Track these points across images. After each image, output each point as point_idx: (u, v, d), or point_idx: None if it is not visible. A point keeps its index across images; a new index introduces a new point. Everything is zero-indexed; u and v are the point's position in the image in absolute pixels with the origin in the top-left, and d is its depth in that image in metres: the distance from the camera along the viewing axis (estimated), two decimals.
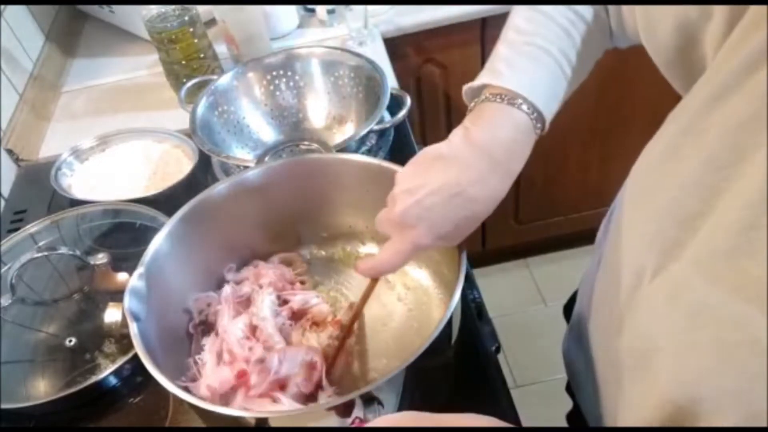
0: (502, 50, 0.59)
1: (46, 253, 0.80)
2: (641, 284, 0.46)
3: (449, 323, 0.56)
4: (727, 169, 0.37)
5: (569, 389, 0.73)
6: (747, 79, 0.36)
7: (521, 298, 1.86)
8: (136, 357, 0.68)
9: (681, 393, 0.41)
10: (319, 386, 0.62)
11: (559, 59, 0.57)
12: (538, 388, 1.63)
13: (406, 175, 0.59)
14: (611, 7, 0.59)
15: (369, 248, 0.79)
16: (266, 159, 0.94)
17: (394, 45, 1.29)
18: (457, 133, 0.57)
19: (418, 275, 0.75)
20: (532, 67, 0.57)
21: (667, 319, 0.42)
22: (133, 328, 0.58)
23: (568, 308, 0.79)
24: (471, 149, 0.55)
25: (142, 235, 0.82)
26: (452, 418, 0.42)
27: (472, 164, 0.55)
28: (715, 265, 0.38)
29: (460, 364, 0.67)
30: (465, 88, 0.60)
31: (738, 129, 0.37)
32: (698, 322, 0.39)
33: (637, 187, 0.49)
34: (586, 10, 0.58)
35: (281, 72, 1.03)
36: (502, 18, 1.32)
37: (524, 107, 0.55)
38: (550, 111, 0.58)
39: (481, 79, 0.58)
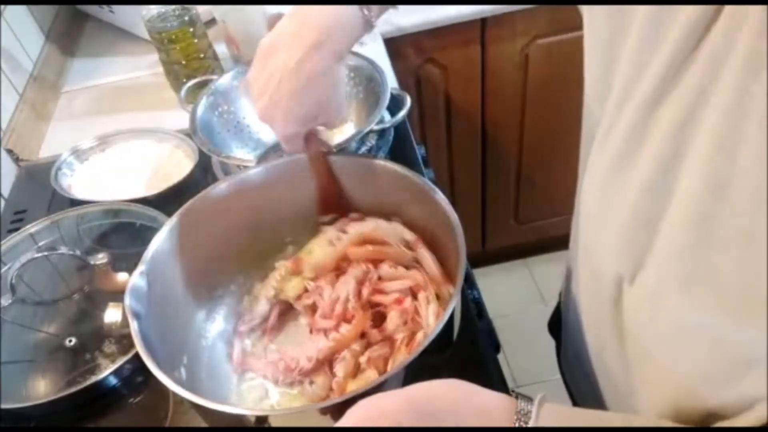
0: None
1: (46, 253, 0.80)
2: (622, 293, 0.46)
3: (449, 323, 0.56)
4: (673, 170, 0.38)
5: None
6: (676, 83, 0.37)
7: (521, 298, 1.86)
8: (136, 357, 0.68)
9: (684, 396, 0.41)
10: None
11: None
12: (538, 388, 1.62)
13: (253, 73, 0.66)
14: None
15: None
16: (267, 157, 0.94)
17: (394, 45, 1.29)
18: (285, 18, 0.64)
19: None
20: None
21: (651, 326, 0.43)
22: (134, 327, 0.58)
23: (552, 324, 0.79)
24: (292, 28, 0.61)
25: (142, 235, 0.82)
26: (423, 393, 0.43)
27: (293, 45, 0.61)
28: (682, 265, 0.38)
29: (460, 364, 0.67)
30: None
31: (677, 130, 0.37)
32: (681, 327, 0.39)
33: (594, 200, 0.49)
34: None
35: None
36: (502, 18, 1.32)
37: None
38: None
39: None
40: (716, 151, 0.34)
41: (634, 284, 0.44)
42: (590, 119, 0.52)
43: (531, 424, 0.42)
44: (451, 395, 0.43)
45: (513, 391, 0.44)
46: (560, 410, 0.43)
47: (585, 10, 0.47)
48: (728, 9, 0.33)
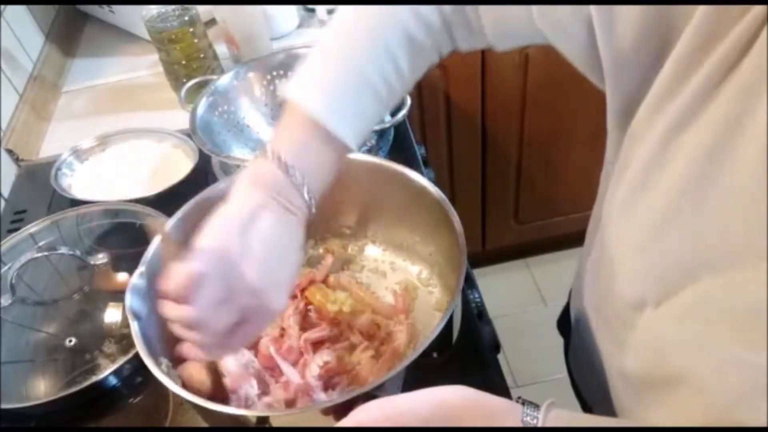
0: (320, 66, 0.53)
1: (46, 253, 0.80)
2: (643, 313, 0.46)
3: (449, 323, 0.56)
4: (699, 198, 0.38)
5: (586, 410, 0.73)
6: (702, 109, 0.37)
7: (521, 298, 1.86)
8: (136, 357, 0.68)
9: (713, 417, 0.40)
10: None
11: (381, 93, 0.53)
12: (538, 388, 1.63)
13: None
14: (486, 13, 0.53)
15: (370, 248, 0.79)
16: None
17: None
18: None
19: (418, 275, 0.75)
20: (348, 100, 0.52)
21: (686, 349, 0.42)
22: (134, 327, 0.58)
23: (562, 322, 0.79)
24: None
25: (142, 235, 0.82)
26: (428, 398, 0.43)
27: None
28: (728, 296, 0.38)
29: (460, 364, 0.67)
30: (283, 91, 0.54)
31: (703, 157, 0.37)
32: (710, 351, 0.39)
33: (615, 222, 0.49)
34: (432, 17, 0.53)
35: (281, 72, 1.03)
36: None
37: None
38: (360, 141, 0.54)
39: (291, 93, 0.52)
40: (755, 185, 0.34)
41: (660, 308, 0.43)
42: (614, 133, 0.51)
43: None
44: (457, 401, 0.43)
45: (519, 398, 0.44)
46: (567, 417, 0.43)
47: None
48: (761, 42, 0.33)
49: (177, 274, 0.46)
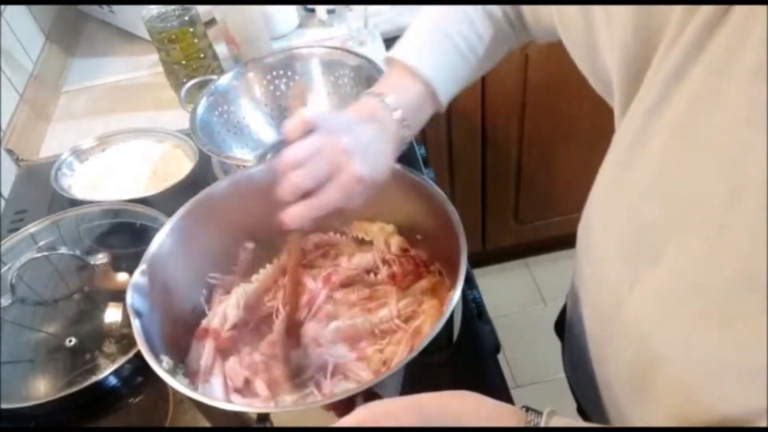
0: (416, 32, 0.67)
1: (46, 253, 0.80)
2: (623, 298, 0.46)
3: (449, 323, 0.56)
4: (675, 176, 0.38)
5: (581, 411, 0.73)
6: (674, 91, 0.38)
7: (521, 298, 1.86)
8: (136, 357, 0.68)
9: (691, 406, 0.41)
10: None
11: (462, 49, 0.64)
12: (538, 388, 1.63)
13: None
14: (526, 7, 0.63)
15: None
16: (268, 157, 0.94)
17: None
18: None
19: None
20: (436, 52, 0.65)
21: (658, 334, 0.43)
22: (136, 324, 0.58)
23: (558, 325, 0.79)
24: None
25: (142, 235, 0.82)
26: (430, 400, 0.44)
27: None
28: (691, 272, 0.38)
29: (460, 364, 0.67)
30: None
31: (676, 136, 0.38)
32: (688, 335, 0.39)
33: (600, 204, 0.50)
34: (495, 9, 0.65)
35: (281, 72, 1.03)
36: None
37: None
38: (447, 91, 0.65)
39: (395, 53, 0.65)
40: (726, 160, 0.35)
41: (635, 288, 0.44)
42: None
43: None
44: (459, 404, 0.44)
45: (524, 407, 0.44)
46: (568, 424, 0.43)
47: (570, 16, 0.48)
48: (734, 20, 0.34)
49: (297, 118, 0.57)
